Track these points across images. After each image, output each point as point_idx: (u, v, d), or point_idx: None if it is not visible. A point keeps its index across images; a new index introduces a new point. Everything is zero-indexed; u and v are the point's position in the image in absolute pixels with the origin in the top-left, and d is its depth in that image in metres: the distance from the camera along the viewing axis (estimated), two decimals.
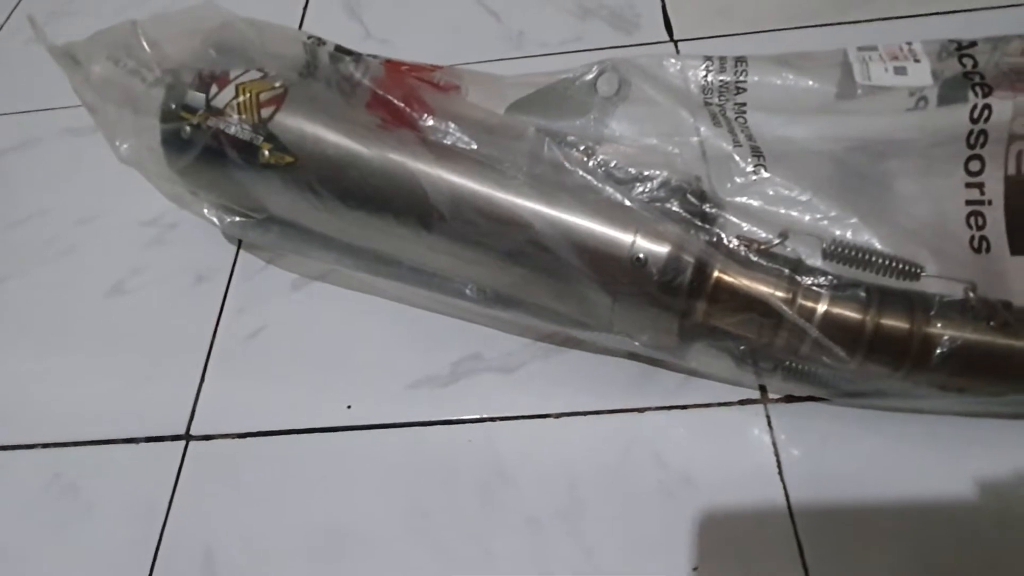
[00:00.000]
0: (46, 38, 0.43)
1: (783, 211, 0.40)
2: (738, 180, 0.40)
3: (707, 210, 0.40)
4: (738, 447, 0.41)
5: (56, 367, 0.50)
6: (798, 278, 0.38)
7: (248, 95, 0.43)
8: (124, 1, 0.72)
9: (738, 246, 0.38)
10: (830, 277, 0.38)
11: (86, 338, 0.51)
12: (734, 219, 0.40)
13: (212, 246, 0.54)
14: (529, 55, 0.63)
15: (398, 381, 0.46)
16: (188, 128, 0.44)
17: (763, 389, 0.43)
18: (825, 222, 0.39)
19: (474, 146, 0.41)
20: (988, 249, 0.37)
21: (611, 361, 0.45)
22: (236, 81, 0.44)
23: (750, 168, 0.40)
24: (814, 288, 0.37)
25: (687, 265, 0.38)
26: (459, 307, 0.46)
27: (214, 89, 0.44)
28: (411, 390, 0.46)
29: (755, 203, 0.40)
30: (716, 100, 0.43)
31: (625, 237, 0.38)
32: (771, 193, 0.40)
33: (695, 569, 0.38)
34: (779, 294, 0.37)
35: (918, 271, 0.37)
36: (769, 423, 0.42)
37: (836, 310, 0.37)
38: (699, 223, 0.39)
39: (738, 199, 0.40)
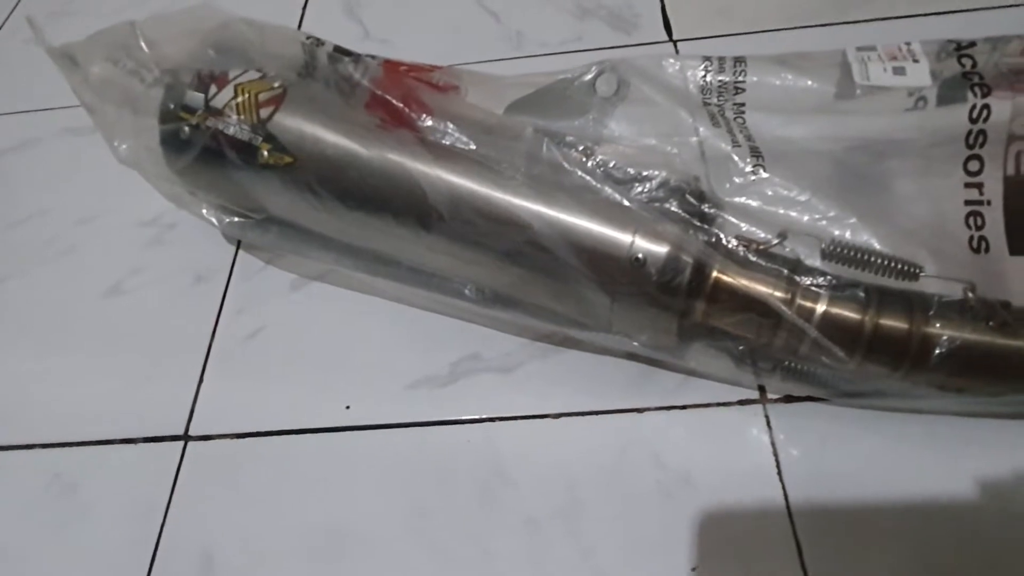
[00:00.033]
0: (44, 39, 0.43)
1: (782, 211, 0.40)
2: (737, 180, 0.40)
3: (706, 210, 0.40)
4: (737, 447, 0.41)
5: (55, 367, 0.50)
6: (797, 278, 0.38)
7: (247, 95, 0.43)
8: (124, 1, 0.72)
9: (737, 246, 0.38)
10: (829, 277, 0.38)
11: (85, 338, 0.51)
12: (733, 219, 0.40)
13: (211, 246, 0.54)
14: (528, 55, 0.63)
15: (397, 381, 0.46)
16: (187, 128, 0.44)
17: (762, 389, 0.43)
18: (824, 222, 0.39)
19: (473, 146, 0.41)
20: (987, 249, 0.37)
21: (610, 361, 0.45)
22: (235, 81, 0.44)
23: (749, 168, 0.40)
24: (813, 288, 0.37)
25: (686, 265, 0.38)
26: (458, 307, 0.46)
27: (213, 89, 0.44)
28: (410, 390, 0.46)
29: (754, 203, 0.40)
30: (715, 100, 0.43)
31: (624, 237, 0.38)
32: (770, 193, 0.40)
33: (694, 569, 0.38)
34: (778, 294, 0.37)
35: (917, 271, 0.37)
36: (768, 423, 0.42)
37: (835, 310, 0.37)
38: (698, 223, 0.39)
39: (737, 199, 0.40)
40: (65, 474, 0.45)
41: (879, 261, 0.38)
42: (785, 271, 0.38)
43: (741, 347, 0.41)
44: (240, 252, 0.54)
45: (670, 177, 0.40)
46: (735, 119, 0.42)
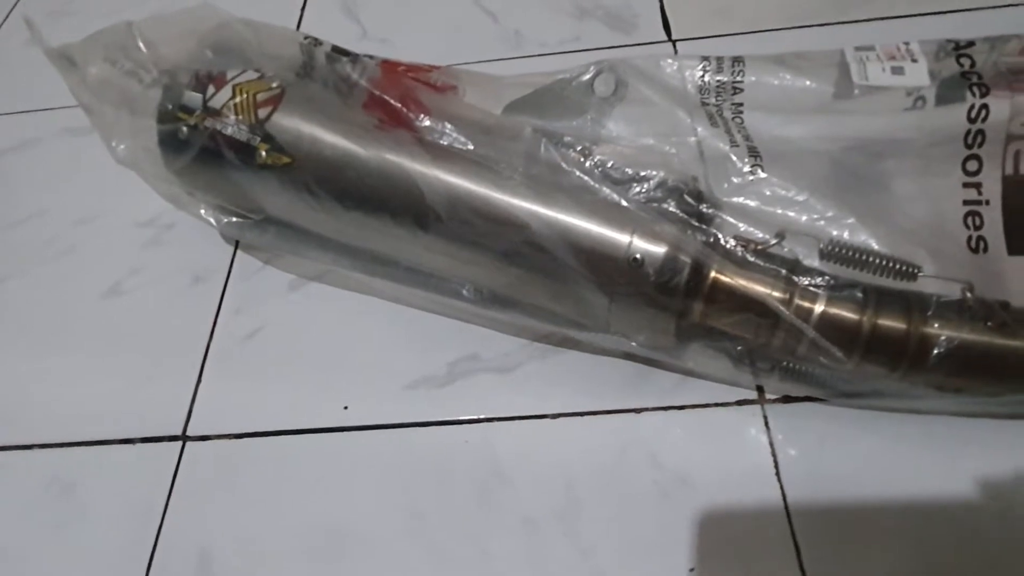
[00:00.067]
0: (42, 39, 0.43)
1: (780, 211, 0.40)
2: (735, 180, 0.40)
3: (704, 210, 0.40)
4: (735, 447, 0.41)
5: (53, 367, 0.50)
6: (795, 278, 0.38)
7: (245, 96, 0.43)
8: (122, 1, 0.71)
9: (735, 246, 0.38)
10: (827, 277, 0.38)
11: (83, 339, 0.51)
12: (731, 219, 0.40)
13: (209, 247, 0.54)
14: (526, 55, 0.63)
15: (395, 381, 0.46)
16: (185, 129, 0.44)
17: (760, 389, 0.43)
18: (822, 222, 0.39)
19: (470, 146, 0.41)
20: (986, 249, 0.37)
21: (608, 362, 0.45)
22: (233, 82, 0.44)
23: (747, 168, 0.40)
24: (811, 288, 0.37)
25: (684, 265, 0.38)
26: (456, 308, 0.46)
27: (211, 90, 0.44)
28: (408, 390, 0.46)
29: (752, 203, 0.40)
30: (713, 100, 0.43)
31: (622, 237, 0.38)
32: (768, 193, 0.40)
33: (692, 570, 0.38)
34: (776, 294, 0.37)
35: (915, 271, 0.37)
36: (766, 423, 0.42)
37: (833, 310, 0.37)
38: (696, 223, 0.39)
39: (735, 199, 0.40)
40: (63, 474, 0.45)
41: (877, 261, 0.38)
42: (783, 271, 0.38)
43: (739, 347, 0.41)
44: (238, 252, 0.54)
45: (668, 177, 0.40)
46: (733, 119, 0.42)
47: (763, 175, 0.40)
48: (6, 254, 0.57)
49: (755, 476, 0.40)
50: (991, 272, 0.37)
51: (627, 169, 0.41)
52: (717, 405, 0.43)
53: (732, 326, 0.39)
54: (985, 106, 0.37)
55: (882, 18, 0.60)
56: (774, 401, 0.42)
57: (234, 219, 0.49)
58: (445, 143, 0.42)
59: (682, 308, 0.39)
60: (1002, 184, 0.37)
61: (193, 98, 0.44)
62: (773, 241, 0.39)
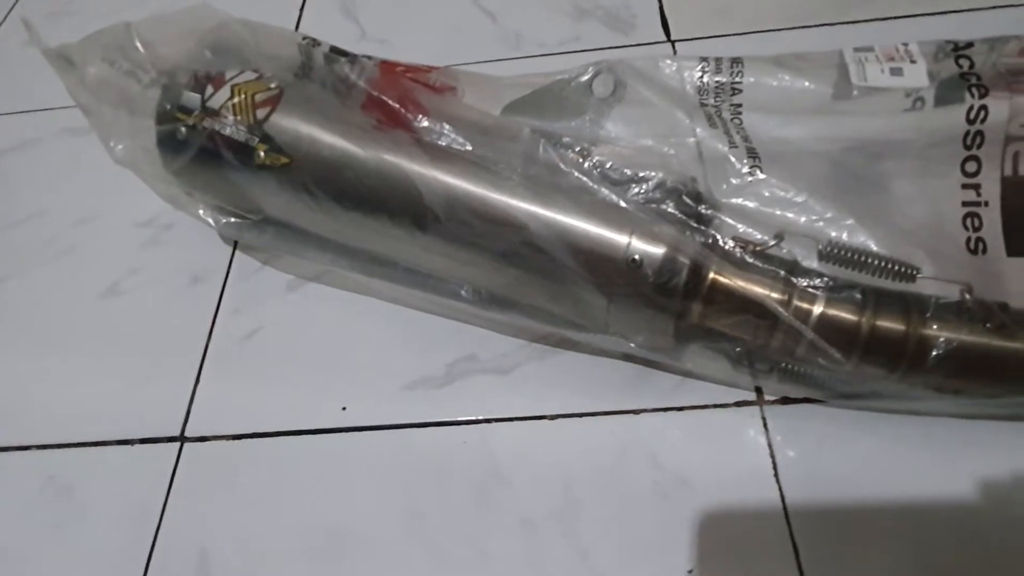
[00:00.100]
0: (40, 40, 0.43)
1: (779, 212, 0.40)
2: (734, 181, 0.40)
3: (703, 211, 0.40)
4: (734, 449, 0.41)
5: (52, 368, 0.50)
6: (794, 280, 0.38)
7: (243, 96, 0.43)
8: (121, 2, 0.71)
9: (734, 247, 0.38)
10: (826, 279, 0.38)
11: (82, 339, 0.51)
12: (730, 220, 0.39)
13: (208, 247, 0.54)
14: (525, 56, 0.63)
15: (393, 382, 0.46)
16: (183, 129, 0.44)
17: (759, 391, 0.43)
18: (821, 223, 0.39)
19: (469, 147, 0.41)
20: (984, 250, 0.37)
21: (606, 363, 0.45)
22: (231, 82, 0.44)
23: (746, 169, 0.40)
24: (810, 290, 0.37)
25: (683, 266, 0.38)
26: (454, 308, 0.46)
27: (209, 90, 0.44)
28: (406, 391, 0.46)
29: (751, 204, 0.40)
30: (712, 101, 0.43)
31: (620, 238, 0.38)
32: (767, 194, 0.40)
33: (690, 571, 0.38)
34: (775, 296, 0.37)
35: (914, 272, 0.37)
36: (765, 425, 0.42)
37: (832, 312, 0.37)
38: (695, 224, 0.39)
39: (734, 200, 0.40)
40: (61, 475, 0.45)
41: (876, 262, 0.38)
42: (782, 272, 0.38)
43: (738, 349, 0.41)
44: (237, 253, 0.54)
45: (667, 178, 0.40)
46: (732, 120, 0.42)
47: (762, 176, 0.40)
48: (6, 254, 0.57)
49: (754, 477, 0.40)
50: (990, 273, 0.37)
51: (626, 170, 0.41)
52: (716, 406, 0.43)
53: (731, 327, 0.39)
54: (984, 107, 0.37)
55: (882, 18, 0.60)
56: (773, 402, 0.42)
57: (232, 219, 0.49)
58: (443, 144, 0.41)
59: (681, 309, 0.39)
60: (1001, 185, 0.37)
61: (191, 98, 0.44)
62: (772, 242, 0.39)
